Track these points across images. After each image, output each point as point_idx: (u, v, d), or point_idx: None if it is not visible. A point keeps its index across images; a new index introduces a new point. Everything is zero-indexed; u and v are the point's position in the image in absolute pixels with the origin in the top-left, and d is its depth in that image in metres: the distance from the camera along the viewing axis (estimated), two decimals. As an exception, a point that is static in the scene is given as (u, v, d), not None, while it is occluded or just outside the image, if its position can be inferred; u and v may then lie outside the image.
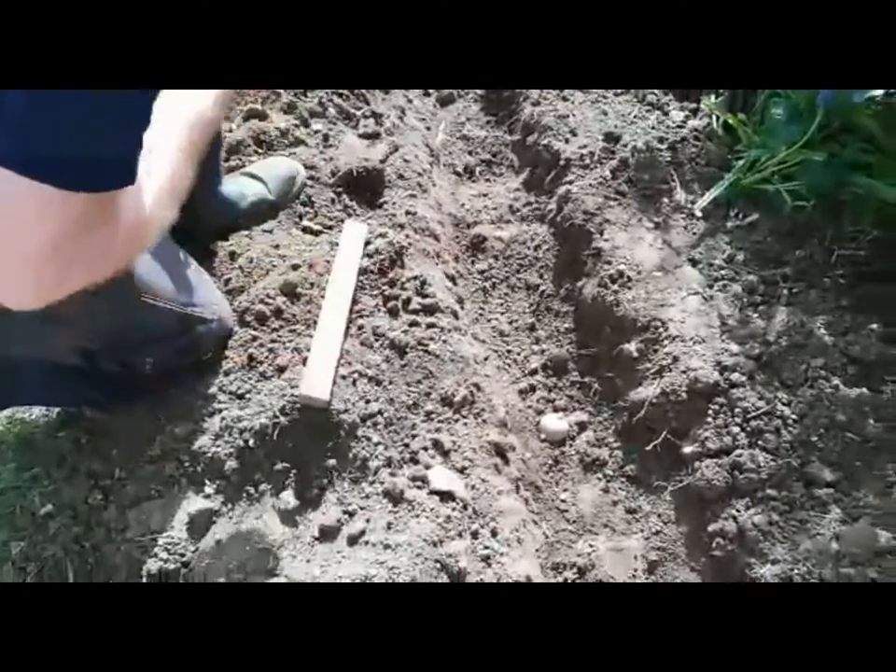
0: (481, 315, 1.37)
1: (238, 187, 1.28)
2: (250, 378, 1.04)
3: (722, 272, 1.21)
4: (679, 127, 1.40)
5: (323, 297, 1.13)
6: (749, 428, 1.03)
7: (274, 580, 0.87)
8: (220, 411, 1.01)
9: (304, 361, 1.04)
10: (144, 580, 0.91)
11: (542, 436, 1.23)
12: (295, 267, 1.16)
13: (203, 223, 1.20)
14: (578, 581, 1.06)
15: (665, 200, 1.31)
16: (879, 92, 1.18)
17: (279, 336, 1.09)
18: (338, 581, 0.84)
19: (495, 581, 0.90)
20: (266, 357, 1.07)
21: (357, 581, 0.84)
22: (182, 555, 0.93)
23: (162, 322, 0.95)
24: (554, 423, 1.23)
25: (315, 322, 1.10)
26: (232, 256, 1.18)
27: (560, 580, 1.06)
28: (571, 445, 1.22)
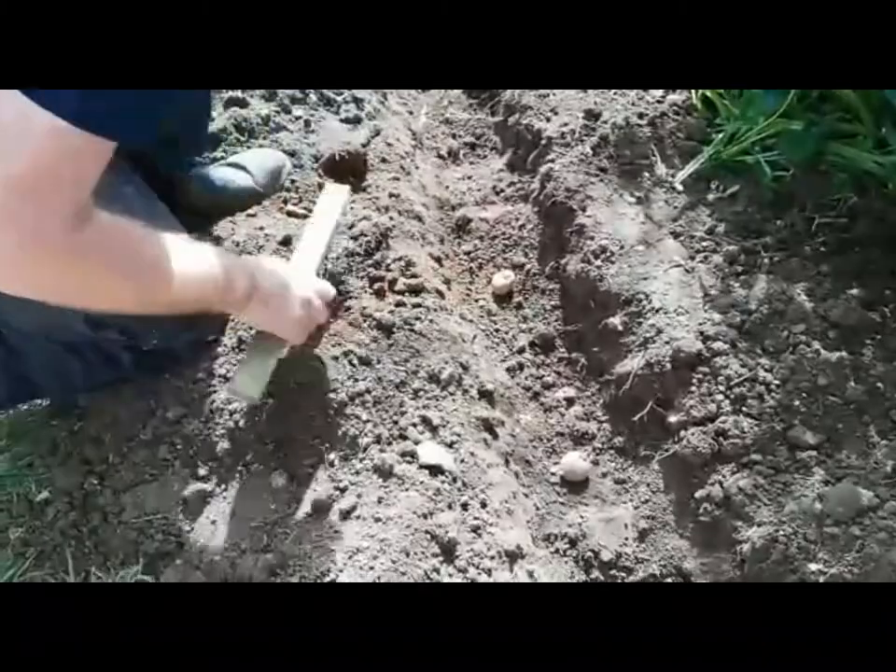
0: (468, 295, 1.38)
1: (224, 175, 1.29)
2: (238, 360, 1.05)
3: (704, 243, 1.22)
4: (659, 102, 1.41)
5: None
6: (732, 395, 1.04)
7: (268, 556, 0.89)
8: (210, 394, 1.02)
9: None
10: (141, 561, 0.93)
11: (531, 412, 1.24)
12: (284, 242, 1.17)
13: (186, 211, 1.21)
14: (569, 550, 1.08)
15: (646, 175, 1.32)
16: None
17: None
18: (337, 579, 0.85)
19: (485, 550, 0.92)
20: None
21: (349, 553, 0.86)
22: (178, 536, 0.95)
23: None
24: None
25: None
26: (217, 240, 1.19)
27: (552, 549, 1.08)
28: (560, 420, 1.24)
